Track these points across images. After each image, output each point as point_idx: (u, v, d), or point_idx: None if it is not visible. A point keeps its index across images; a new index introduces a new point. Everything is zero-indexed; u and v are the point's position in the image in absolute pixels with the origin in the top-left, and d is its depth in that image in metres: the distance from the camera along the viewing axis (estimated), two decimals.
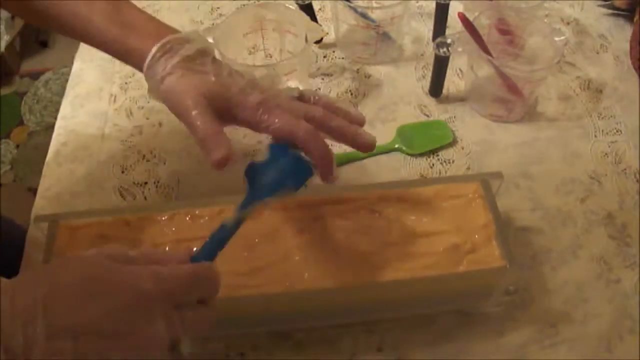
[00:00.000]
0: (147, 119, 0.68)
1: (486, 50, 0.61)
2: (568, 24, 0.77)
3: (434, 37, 0.72)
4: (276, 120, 0.45)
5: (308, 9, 0.70)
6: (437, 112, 0.68)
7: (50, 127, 0.70)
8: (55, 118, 0.70)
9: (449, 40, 0.61)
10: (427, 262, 0.48)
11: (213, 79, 0.46)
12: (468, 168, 0.63)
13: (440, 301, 0.52)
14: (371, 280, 0.48)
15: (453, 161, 0.63)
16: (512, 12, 0.64)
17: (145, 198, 0.61)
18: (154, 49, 0.45)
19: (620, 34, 0.75)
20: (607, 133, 0.65)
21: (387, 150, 0.64)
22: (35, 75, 1.87)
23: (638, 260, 0.56)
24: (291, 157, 0.44)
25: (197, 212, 0.51)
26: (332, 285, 0.47)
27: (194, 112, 0.44)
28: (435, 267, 0.48)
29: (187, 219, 0.51)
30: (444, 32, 0.71)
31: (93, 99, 0.71)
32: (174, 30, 0.48)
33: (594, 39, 0.75)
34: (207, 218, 0.51)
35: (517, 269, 0.48)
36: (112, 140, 0.67)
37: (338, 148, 0.64)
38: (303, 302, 0.49)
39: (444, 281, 0.48)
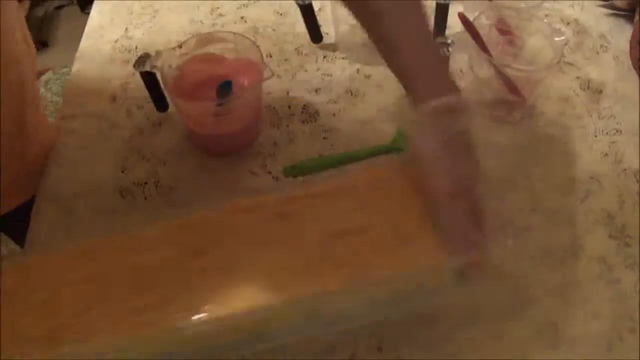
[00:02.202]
0: (147, 119, 0.68)
1: (486, 50, 0.61)
2: (568, 24, 0.77)
3: (434, 37, 0.72)
4: None
5: (308, 10, 0.70)
6: None
7: None
8: (55, 118, 0.70)
9: (449, 40, 0.61)
10: (355, 263, 0.42)
11: (474, 164, 0.41)
12: None
13: (377, 308, 0.45)
14: (282, 298, 0.41)
15: None
16: (512, 12, 0.64)
17: (145, 198, 0.61)
18: (454, 98, 0.41)
19: (620, 34, 0.75)
20: (607, 133, 0.65)
21: (387, 150, 0.64)
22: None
23: (638, 260, 0.56)
24: None
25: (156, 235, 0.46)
26: (241, 309, 0.41)
27: (451, 204, 0.41)
28: (366, 268, 0.42)
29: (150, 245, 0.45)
30: (444, 32, 0.71)
31: (93, 99, 0.71)
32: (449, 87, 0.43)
33: (594, 39, 0.75)
34: (169, 239, 0.45)
35: (460, 255, 0.42)
36: (112, 140, 0.67)
37: (338, 148, 0.64)
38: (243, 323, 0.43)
39: (375, 286, 0.42)
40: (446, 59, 0.50)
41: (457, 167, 0.40)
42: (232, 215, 0.45)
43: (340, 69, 0.72)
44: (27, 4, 1.96)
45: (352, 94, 0.70)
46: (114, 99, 0.71)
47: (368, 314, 0.46)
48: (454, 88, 0.43)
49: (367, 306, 0.45)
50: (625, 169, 0.62)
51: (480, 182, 0.41)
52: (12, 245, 0.70)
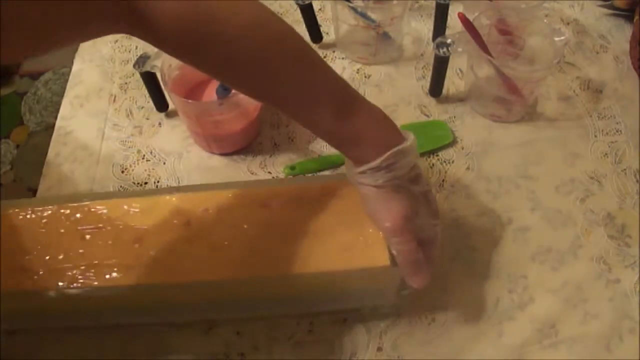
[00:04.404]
0: (147, 119, 0.68)
1: (486, 50, 0.61)
2: (568, 24, 0.77)
3: (434, 37, 0.72)
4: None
5: (308, 10, 0.70)
6: (437, 112, 0.68)
7: (50, 127, 0.70)
8: (55, 118, 0.70)
9: (449, 40, 0.61)
10: (315, 259, 0.47)
11: (408, 204, 0.45)
12: (468, 168, 0.63)
13: (327, 299, 0.51)
14: (251, 275, 0.47)
15: (453, 161, 0.63)
16: (512, 12, 0.64)
17: None
18: (376, 162, 0.44)
19: (620, 34, 0.75)
20: (607, 133, 0.65)
21: None
22: (35, 75, 1.86)
23: (638, 260, 0.56)
24: None
25: (144, 201, 0.51)
26: (212, 278, 0.46)
27: (393, 239, 0.45)
28: (321, 265, 0.47)
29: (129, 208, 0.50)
30: (444, 32, 0.71)
31: (93, 99, 0.71)
32: (396, 138, 0.45)
33: (594, 39, 0.75)
34: (158, 209, 0.50)
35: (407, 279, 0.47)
36: (112, 140, 0.67)
37: None
38: (179, 294, 0.48)
39: (323, 278, 0.47)
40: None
41: (392, 205, 0.45)
42: (221, 197, 0.51)
43: (340, 69, 0.72)
44: None
45: None
46: (114, 99, 0.71)
47: (317, 304, 0.52)
48: (383, 138, 0.45)
49: (315, 297, 0.51)
50: (625, 169, 0.62)
51: (420, 216, 0.46)
52: None
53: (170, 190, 0.53)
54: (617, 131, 0.66)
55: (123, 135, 0.67)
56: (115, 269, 0.47)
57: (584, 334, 0.52)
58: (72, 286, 0.46)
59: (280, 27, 0.42)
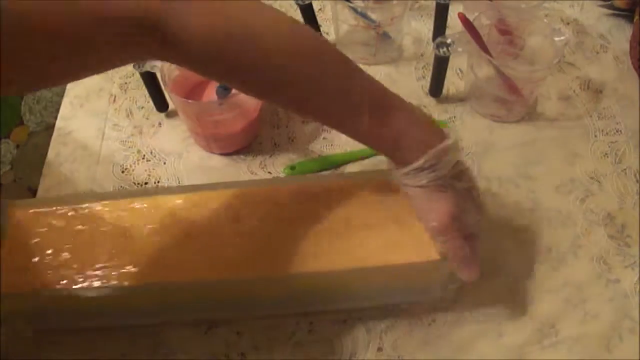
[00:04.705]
0: (147, 119, 0.68)
1: (486, 50, 0.61)
2: (568, 24, 0.77)
3: (434, 37, 0.72)
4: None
5: (308, 10, 0.70)
6: (437, 112, 0.68)
7: (50, 127, 0.70)
8: (55, 118, 0.70)
9: (449, 40, 0.61)
10: (363, 254, 0.47)
11: (454, 202, 0.45)
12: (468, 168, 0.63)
13: (376, 294, 0.52)
14: (299, 271, 0.47)
15: None
16: (512, 12, 0.64)
17: None
18: (419, 163, 0.43)
19: (620, 34, 0.75)
20: (607, 133, 0.65)
21: None
22: None
23: (638, 260, 0.56)
24: None
25: (151, 201, 0.51)
26: (260, 275, 0.46)
27: (440, 238, 0.45)
28: (370, 260, 0.47)
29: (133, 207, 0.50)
30: (444, 32, 0.71)
31: (93, 99, 0.71)
32: (437, 136, 0.45)
33: (594, 39, 0.75)
34: (161, 208, 0.50)
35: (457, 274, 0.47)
36: (112, 140, 0.67)
37: (338, 148, 0.64)
38: (231, 291, 0.49)
39: (373, 274, 0.47)
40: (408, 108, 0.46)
41: (438, 205, 0.45)
42: (272, 191, 0.51)
43: None
44: None
45: None
46: (114, 99, 0.71)
47: (365, 299, 0.52)
48: (425, 139, 0.45)
49: (364, 291, 0.51)
50: (625, 169, 0.62)
51: (466, 213, 0.46)
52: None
53: (194, 188, 0.53)
54: (617, 131, 0.66)
55: (123, 135, 0.67)
56: (126, 268, 0.47)
57: (584, 334, 0.52)
58: (83, 286, 0.46)
59: (312, 36, 0.42)
